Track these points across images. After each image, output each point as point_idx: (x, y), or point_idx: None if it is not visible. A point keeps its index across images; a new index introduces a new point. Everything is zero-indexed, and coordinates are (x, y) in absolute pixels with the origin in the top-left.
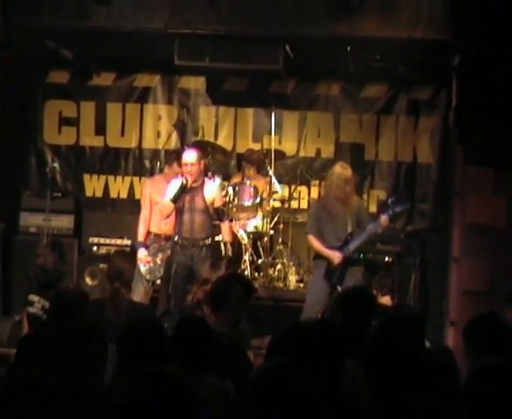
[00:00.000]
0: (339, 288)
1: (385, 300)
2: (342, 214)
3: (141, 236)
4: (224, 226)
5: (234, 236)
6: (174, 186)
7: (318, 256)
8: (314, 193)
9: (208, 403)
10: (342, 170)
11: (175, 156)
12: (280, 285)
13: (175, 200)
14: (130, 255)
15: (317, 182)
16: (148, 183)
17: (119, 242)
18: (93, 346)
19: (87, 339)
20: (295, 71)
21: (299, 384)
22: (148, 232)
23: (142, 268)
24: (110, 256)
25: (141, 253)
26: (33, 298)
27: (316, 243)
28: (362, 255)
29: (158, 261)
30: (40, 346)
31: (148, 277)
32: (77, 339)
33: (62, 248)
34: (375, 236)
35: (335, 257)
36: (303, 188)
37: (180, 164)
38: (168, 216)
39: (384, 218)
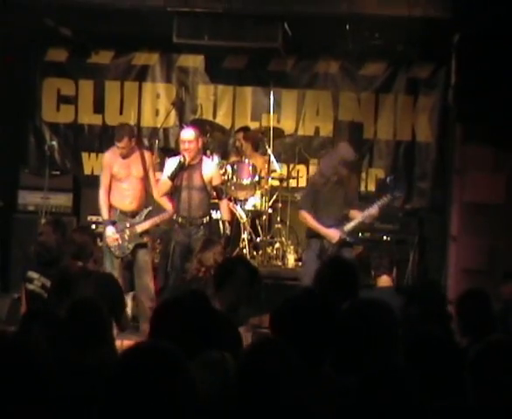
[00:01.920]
0: None
1: (383, 280)
2: (340, 194)
3: (105, 215)
4: (223, 204)
5: (233, 214)
6: (172, 164)
7: (312, 234)
8: (313, 171)
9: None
10: (345, 153)
11: (126, 130)
12: (279, 263)
13: (172, 178)
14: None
15: (316, 160)
16: (108, 156)
17: None
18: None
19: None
20: (294, 49)
21: (282, 360)
22: (111, 206)
23: (112, 245)
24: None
25: (109, 231)
26: (33, 274)
27: (312, 221)
28: (360, 234)
29: (126, 237)
30: (41, 323)
31: (117, 253)
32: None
33: (64, 227)
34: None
35: (334, 234)
36: (302, 167)
37: (131, 138)
38: (165, 194)
39: (372, 210)
